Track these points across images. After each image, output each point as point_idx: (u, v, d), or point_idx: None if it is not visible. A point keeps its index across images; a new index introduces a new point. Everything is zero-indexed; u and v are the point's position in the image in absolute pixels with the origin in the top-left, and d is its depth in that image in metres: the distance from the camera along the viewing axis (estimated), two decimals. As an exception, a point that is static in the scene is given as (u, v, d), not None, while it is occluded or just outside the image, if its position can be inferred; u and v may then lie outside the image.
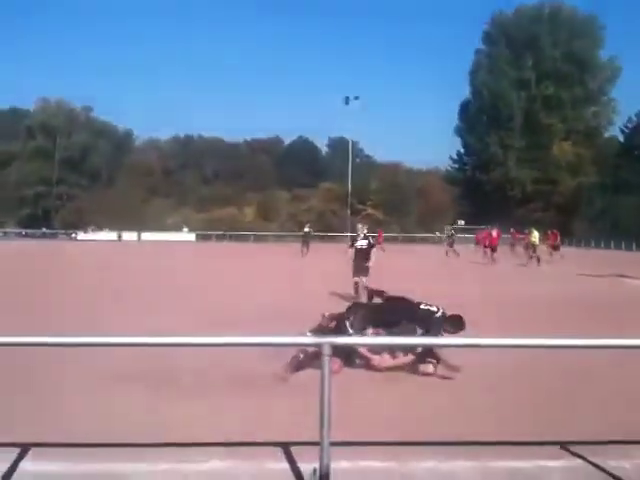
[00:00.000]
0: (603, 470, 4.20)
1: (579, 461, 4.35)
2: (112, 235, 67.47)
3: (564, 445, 4.59)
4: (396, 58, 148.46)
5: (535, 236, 29.68)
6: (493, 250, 29.58)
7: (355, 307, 8.22)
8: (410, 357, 7.05)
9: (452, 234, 37.35)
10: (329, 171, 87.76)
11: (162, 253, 37.29)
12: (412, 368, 6.99)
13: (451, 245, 35.06)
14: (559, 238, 33.59)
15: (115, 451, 4.42)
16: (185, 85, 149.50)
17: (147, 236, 66.47)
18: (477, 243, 38.59)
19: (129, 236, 66.93)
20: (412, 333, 7.20)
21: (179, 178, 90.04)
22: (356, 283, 12.95)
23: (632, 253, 47.04)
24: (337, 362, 6.81)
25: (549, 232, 34.07)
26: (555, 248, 32.61)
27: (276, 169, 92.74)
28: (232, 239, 67.15)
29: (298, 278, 20.00)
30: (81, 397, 5.81)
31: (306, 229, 38.36)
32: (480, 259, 30.07)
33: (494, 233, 30.53)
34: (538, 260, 28.17)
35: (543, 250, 31.42)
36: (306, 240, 36.54)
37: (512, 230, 37.72)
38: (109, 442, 4.55)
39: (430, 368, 6.93)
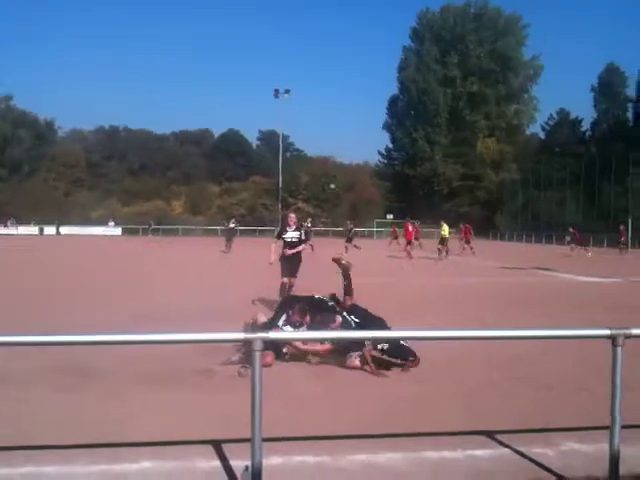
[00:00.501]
0: (527, 457, 4.33)
1: (505, 450, 4.48)
2: (34, 229, 64.89)
3: (491, 434, 4.71)
4: (326, 52, 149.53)
5: (445, 229, 30.41)
6: (408, 243, 29.72)
7: (291, 300, 8.16)
8: (328, 345, 7.08)
9: (351, 229, 35.53)
10: (260, 164, 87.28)
11: (65, 248, 36.12)
12: (339, 361, 7.00)
13: (350, 240, 33.60)
14: (472, 232, 34.87)
15: (38, 454, 4.21)
16: (111, 75, 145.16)
17: (70, 230, 64.38)
18: (395, 237, 38.66)
19: (52, 230, 64.61)
20: (331, 321, 7.32)
21: (104, 170, 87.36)
22: (283, 284, 11.10)
23: (551, 246, 49.06)
24: (270, 354, 6.79)
25: (461, 226, 35.36)
26: (467, 242, 34.01)
27: (206, 162, 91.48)
28: (159, 233, 65.82)
29: (208, 275, 19.61)
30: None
31: (231, 224, 36.73)
32: (396, 253, 30.57)
33: (410, 227, 30.99)
34: (447, 253, 28.97)
35: (457, 245, 32.63)
36: (230, 236, 35.08)
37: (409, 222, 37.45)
38: (30, 445, 4.34)
39: (357, 362, 6.96)
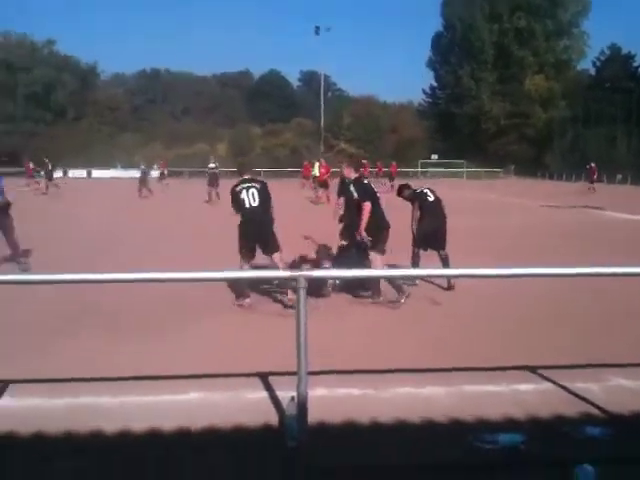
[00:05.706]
0: (571, 392, 4.33)
1: (548, 384, 4.48)
2: (81, 172, 66.22)
3: (534, 369, 4.71)
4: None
5: (316, 167, 28.43)
6: (321, 186, 26.12)
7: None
8: None
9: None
10: (301, 105, 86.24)
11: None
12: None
13: (144, 182, 29.54)
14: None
15: (95, 386, 4.43)
16: (151, 18, 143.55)
17: (114, 173, 65.58)
18: (304, 177, 33.43)
19: (99, 174, 65.95)
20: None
21: (147, 114, 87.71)
22: None
23: (601, 185, 47.50)
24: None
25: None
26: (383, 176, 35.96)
27: (247, 104, 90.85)
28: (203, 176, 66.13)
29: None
30: (54, 335, 5.78)
31: (211, 164, 27.05)
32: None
33: (317, 166, 28.51)
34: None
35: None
36: (213, 178, 26.32)
37: (305, 163, 35.16)
38: (87, 377, 4.55)
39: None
